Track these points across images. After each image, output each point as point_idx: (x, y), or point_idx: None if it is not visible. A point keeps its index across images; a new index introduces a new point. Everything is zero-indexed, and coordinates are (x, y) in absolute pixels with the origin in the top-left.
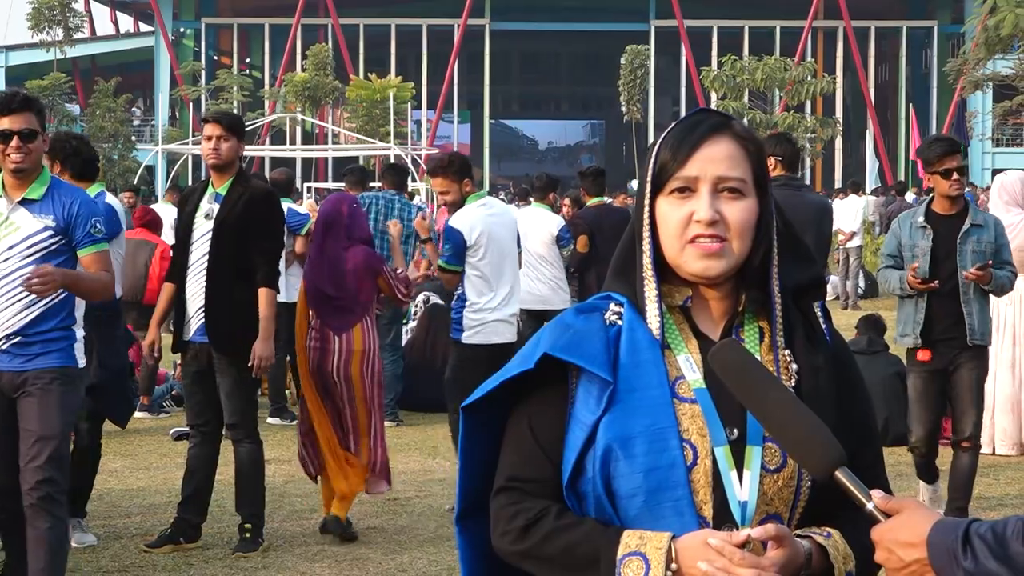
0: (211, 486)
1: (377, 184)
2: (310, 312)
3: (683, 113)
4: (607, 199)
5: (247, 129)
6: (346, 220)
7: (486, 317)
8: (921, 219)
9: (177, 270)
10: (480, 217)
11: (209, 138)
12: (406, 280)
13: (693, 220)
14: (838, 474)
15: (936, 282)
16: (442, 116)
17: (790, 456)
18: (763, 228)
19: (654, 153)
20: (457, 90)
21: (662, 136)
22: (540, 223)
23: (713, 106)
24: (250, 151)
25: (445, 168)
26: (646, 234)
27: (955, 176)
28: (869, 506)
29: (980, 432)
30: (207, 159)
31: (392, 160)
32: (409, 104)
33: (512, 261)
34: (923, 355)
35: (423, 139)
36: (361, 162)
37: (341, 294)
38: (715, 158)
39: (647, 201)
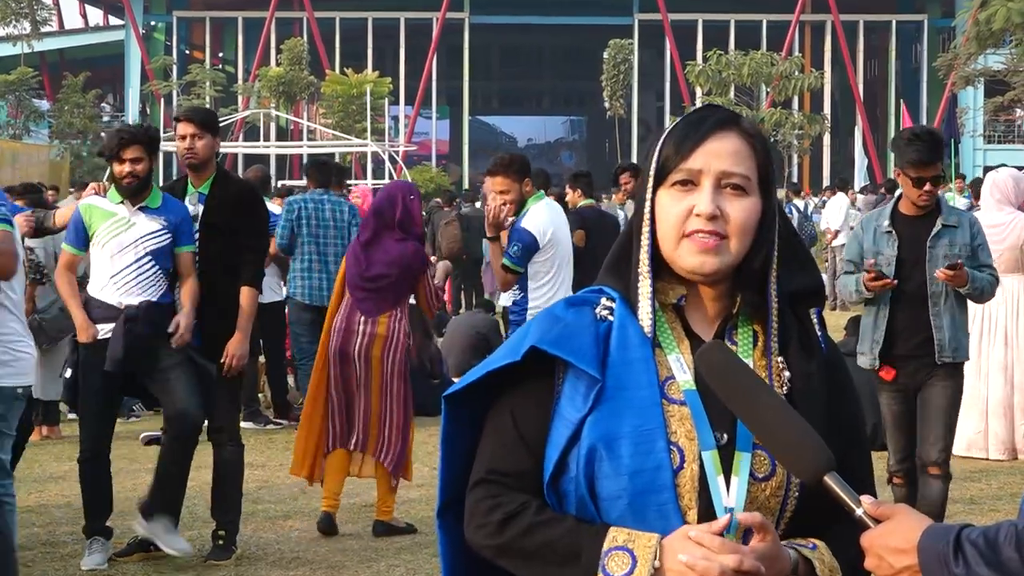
0: (183, 491)
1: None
2: (343, 298)
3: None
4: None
5: (220, 125)
6: (399, 212)
7: None
8: (886, 223)
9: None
10: (550, 218)
11: (183, 137)
12: (438, 293)
13: (693, 214)
14: (827, 479)
15: (894, 280)
16: (420, 112)
17: (778, 461)
18: (765, 229)
19: (659, 145)
20: (436, 85)
21: (668, 129)
22: None
23: (698, 102)
24: (223, 148)
25: (507, 167)
26: (645, 228)
27: (928, 187)
28: (859, 511)
29: (949, 458)
30: (183, 159)
31: (369, 157)
32: (386, 100)
33: (570, 261)
34: (886, 373)
35: (401, 136)
36: (337, 159)
37: (379, 283)
38: (720, 152)
39: (648, 194)
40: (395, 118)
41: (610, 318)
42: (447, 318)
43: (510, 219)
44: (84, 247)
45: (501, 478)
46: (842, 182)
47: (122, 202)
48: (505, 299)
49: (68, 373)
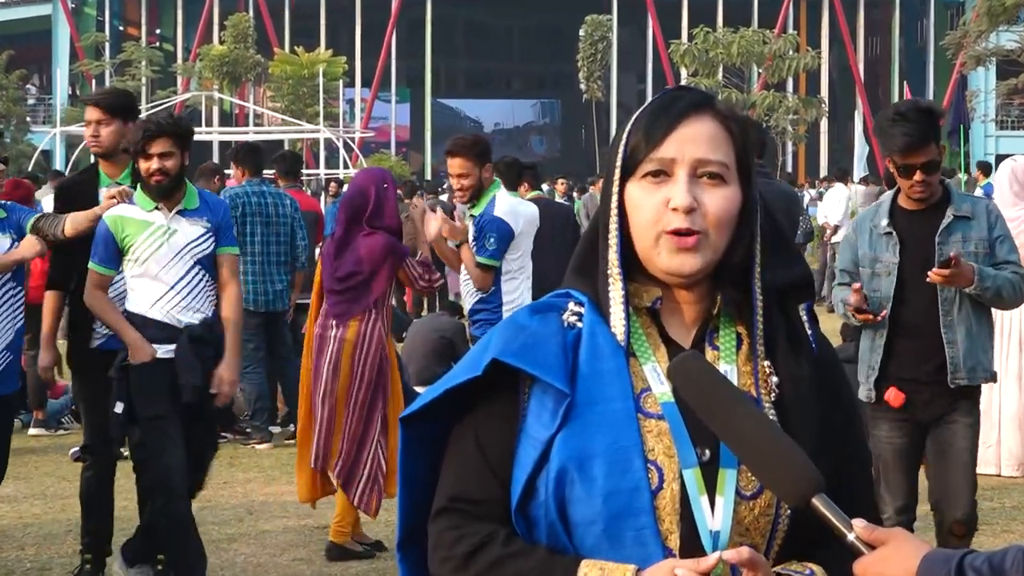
0: (112, 513)
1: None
2: (322, 302)
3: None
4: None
5: (158, 108)
6: (372, 204)
7: None
8: (884, 222)
9: (64, 275)
10: (519, 208)
11: (89, 123)
12: (427, 264)
13: (668, 208)
14: (815, 501)
15: (876, 315)
16: (378, 95)
17: (761, 482)
18: (746, 221)
19: (625, 133)
20: (395, 65)
21: (635, 114)
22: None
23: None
24: None
25: (468, 148)
26: (613, 225)
27: (918, 176)
28: (850, 536)
29: (976, 513)
30: (89, 147)
31: (322, 144)
32: (341, 81)
33: (528, 257)
34: (894, 398)
35: (356, 120)
36: (287, 146)
37: (349, 283)
38: (695, 138)
39: (615, 188)
40: (350, 101)
41: (579, 325)
42: (408, 321)
43: (464, 207)
44: (117, 265)
45: (466, 506)
46: (841, 172)
47: (156, 208)
48: (469, 298)
49: (119, 407)
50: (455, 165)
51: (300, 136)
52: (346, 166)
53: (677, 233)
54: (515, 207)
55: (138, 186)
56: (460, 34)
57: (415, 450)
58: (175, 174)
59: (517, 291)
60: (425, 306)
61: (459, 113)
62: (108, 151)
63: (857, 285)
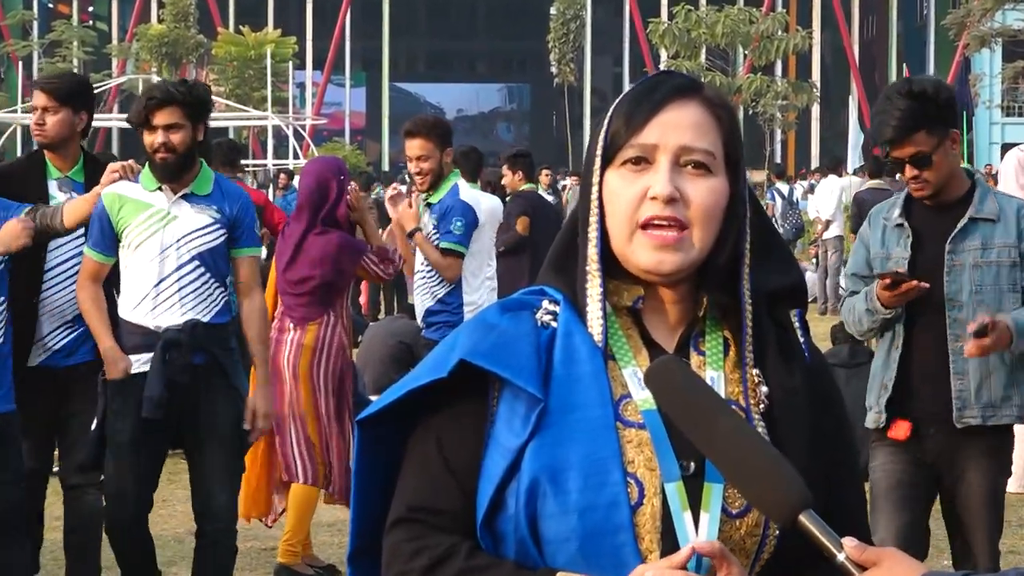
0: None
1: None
2: (277, 303)
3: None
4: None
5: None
6: (333, 198)
7: None
8: (897, 212)
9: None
10: (480, 199)
11: (35, 109)
12: (383, 252)
13: (648, 197)
14: (802, 519)
15: (921, 283)
16: (331, 79)
17: (745, 498)
18: (732, 217)
19: (606, 118)
20: (349, 47)
21: (617, 99)
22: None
23: (663, 67)
24: (95, 121)
25: (429, 130)
26: (593, 217)
27: (908, 171)
28: (840, 557)
29: (998, 566)
30: (33, 136)
31: (269, 132)
32: (290, 64)
33: (491, 254)
34: (897, 430)
35: (307, 107)
36: (231, 134)
37: (304, 287)
38: (679, 124)
39: (596, 177)
40: (300, 86)
41: (553, 324)
42: (363, 324)
43: (422, 195)
44: (113, 251)
45: (426, 516)
46: (834, 162)
47: (159, 188)
48: (422, 299)
49: (95, 425)
50: (414, 147)
51: (246, 123)
52: (296, 156)
53: (655, 225)
54: (477, 196)
55: (147, 163)
56: (420, 12)
57: (371, 456)
58: (184, 151)
59: (481, 291)
60: (383, 309)
61: (419, 98)
62: (54, 141)
63: (886, 275)
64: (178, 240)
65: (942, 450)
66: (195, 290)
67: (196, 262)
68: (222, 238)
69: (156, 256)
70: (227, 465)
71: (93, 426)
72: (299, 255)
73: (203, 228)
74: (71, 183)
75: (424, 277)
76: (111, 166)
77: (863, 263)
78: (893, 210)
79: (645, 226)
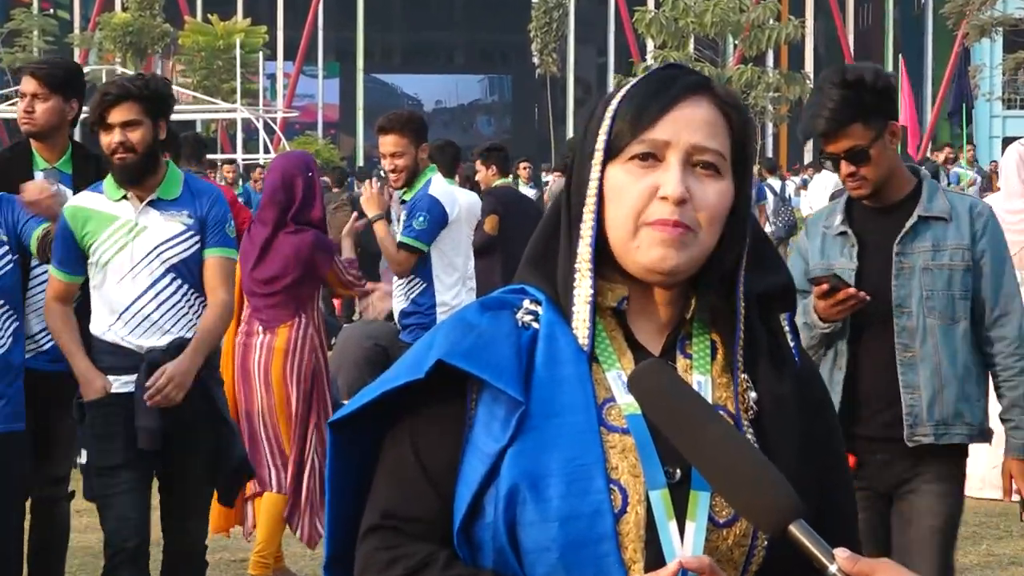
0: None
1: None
2: (244, 305)
3: (611, 66)
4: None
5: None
6: (300, 197)
7: None
8: (838, 220)
9: None
10: (456, 194)
11: (23, 96)
12: (353, 262)
13: (657, 197)
14: (793, 529)
15: (859, 292)
16: (303, 69)
17: (733, 508)
18: (737, 220)
19: (611, 111)
20: (322, 36)
21: (623, 90)
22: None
23: (649, 58)
24: None
25: (403, 125)
26: (589, 214)
27: (844, 168)
28: (832, 568)
29: None
30: (20, 124)
31: (239, 125)
32: (261, 54)
33: (469, 252)
34: None
35: (279, 99)
36: (199, 128)
37: (274, 286)
38: (692, 122)
39: (596, 172)
40: (271, 77)
41: (535, 325)
42: (337, 326)
43: (398, 192)
44: (81, 269)
45: (400, 524)
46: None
47: (124, 197)
48: (396, 301)
49: (84, 457)
50: (388, 143)
51: (214, 116)
52: (267, 150)
53: (662, 224)
54: (452, 192)
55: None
56: (396, 2)
57: (345, 460)
58: (144, 151)
59: (454, 292)
60: (357, 309)
61: (395, 90)
62: (42, 131)
63: (823, 282)
64: (149, 253)
65: (892, 472)
66: (175, 305)
67: (172, 275)
68: (197, 246)
69: (127, 273)
70: (201, 492)
71: (83, 458)
72: (268, 253)
73: (175, 237)
74: (58, 174)
75: (399, 278)
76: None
77: (799, 278)
78: (834, 217)
79: (651, 224)
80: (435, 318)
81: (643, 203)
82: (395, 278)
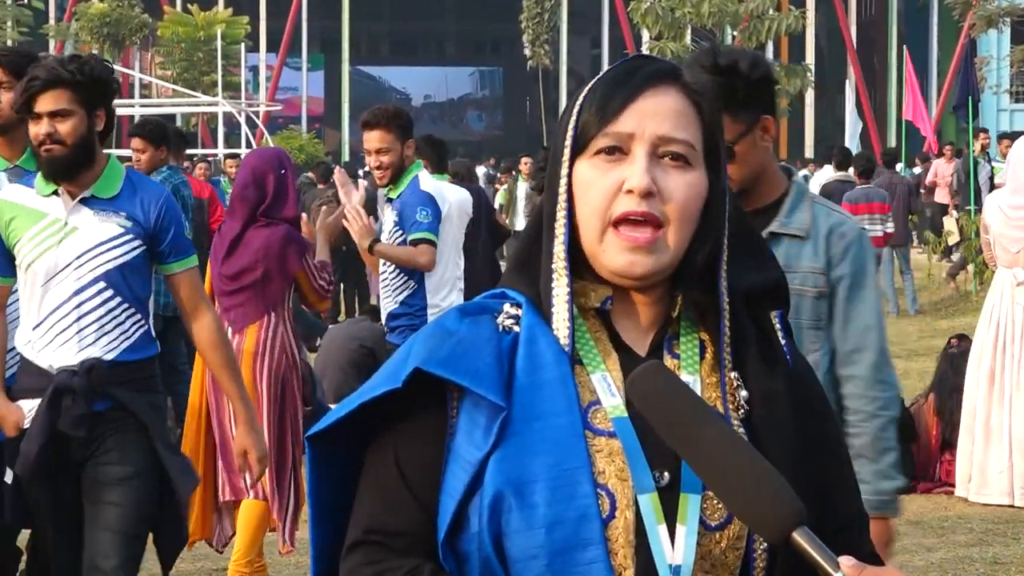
0: None
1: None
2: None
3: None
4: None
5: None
6: (271, 194)
7: None
8: None
9: None
10: (446, 191)
11: None
12: (325, 266)
13: (623, 191)
14: (796, 536)
15: None
16: (287, 62)
17: (734, 514)
18: (712, 213)
19: (577, 105)
20: (307, 28)
21: (589, 84)
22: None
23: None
24: None
25: (389, 120)
26: (561, 212)
27: None
28: None
29: None
30: None
31: (220, 119)
32: (243, 45)
33: (459, 251)
34: None
35: (261, 92)
36: (179, 121)
37: (241, 283)
38: (657, 112)
39: (564, 169)
40: (253, 69)
41: (516, 329)
42: (323, 326)
43: (383, 191)
44: (9, 270)
45: (384, 539)
46: (829, 151)
47: (55, 193)
48: (384, 302)
49: (9, 475)
50: (373, 139)
51: (195, 110)
52: (249, 144)
53: (629, 222)
54: (442, 189)
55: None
56: None
57: (325, 473)
58: (76, 142)
59: (444, 292)
60: (343, 310)
61: (383, 83)
62: (8, 122)
63: None
64: (77, 257)
65: None
66: (98, 319)
67: (101, 283)
68: (136, 251)
69: (51, 278)
70: (121, 528)
71: (8, 477)
72: (237, 248)
73: (110, 240)
74: (21, 172)
75: (387, 277)
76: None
77: None
78: None
79: (617, 223)
80: (426, 319)
81: (609, 198)
82: (381, 279)
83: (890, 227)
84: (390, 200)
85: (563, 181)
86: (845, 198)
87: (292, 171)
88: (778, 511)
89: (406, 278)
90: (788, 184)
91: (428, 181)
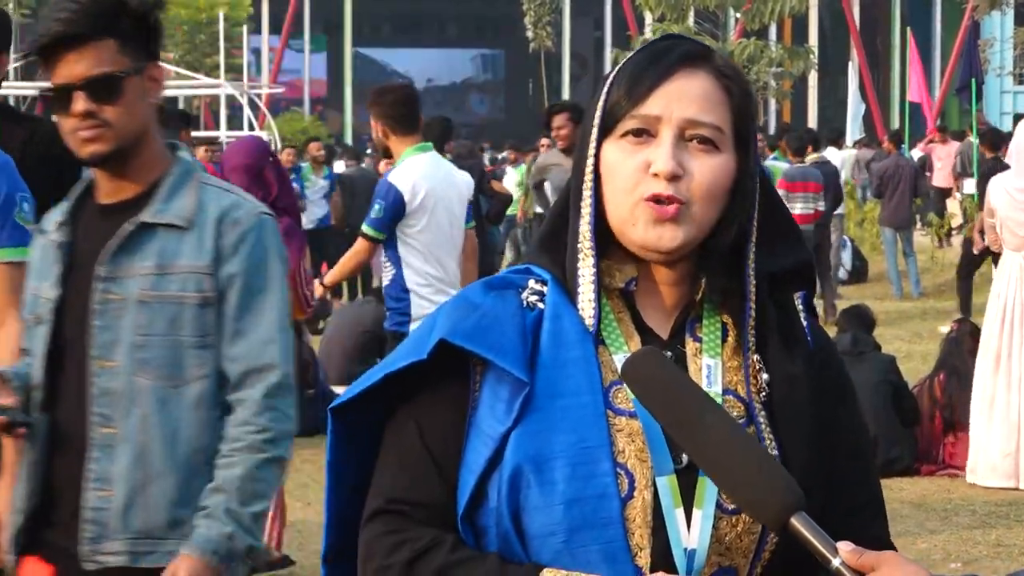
0: None
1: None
2: None
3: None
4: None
5: (23, 62)
6: (275, 182)
7: (440, 300)
8: (59, 219)
9: None
10: (426, 174)
11: None
12: (309, 289)
13: (649, 173)
14: (794, 522)
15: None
16: (289, 44)
17: (731, 500)
18: (740, 196)
19: (606, 86)
20: (309, 9)
21: (619, 64)
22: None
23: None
24: (25, 91)
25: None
26: (587, 192)
27: (83, 106)
28: (835, 562)
29: None
30: None
31: (223, 101)
32: (245, 28)
33: (459, 233)
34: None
35: (264, 74)
36: (182, 104)
37: None
38: (685, 95)
39: (591, 150)
40: (256, 51)
41: (540, 305)
42: (327, 309)
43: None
44: None
45: (406, 508)
46: (833, 134)
47: None
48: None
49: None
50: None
51: (197, 92)
52: (251, 127)
53: (656, 200)
54: (415, 173)
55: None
56: None
57: (346, 447)
58: None
59: (418, 278)
60: (345, 292)
61: (385, 66)
62: None
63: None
64: None
65: None
66: None
67: None
68: None
69: None
70: None
71: None
72: None
73: None
74: None
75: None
76: None
77: None
78: (52, 217)
79: (645, 200)
80: (408, 302)
81: (636, 180)
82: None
83: (821, 206)
84: None
85: (590, 161)
86: (783, 174)
87: (276, 155)
88: (776, 497)
89: (388, 261)
90: (171, 162)
91: (406, 168)
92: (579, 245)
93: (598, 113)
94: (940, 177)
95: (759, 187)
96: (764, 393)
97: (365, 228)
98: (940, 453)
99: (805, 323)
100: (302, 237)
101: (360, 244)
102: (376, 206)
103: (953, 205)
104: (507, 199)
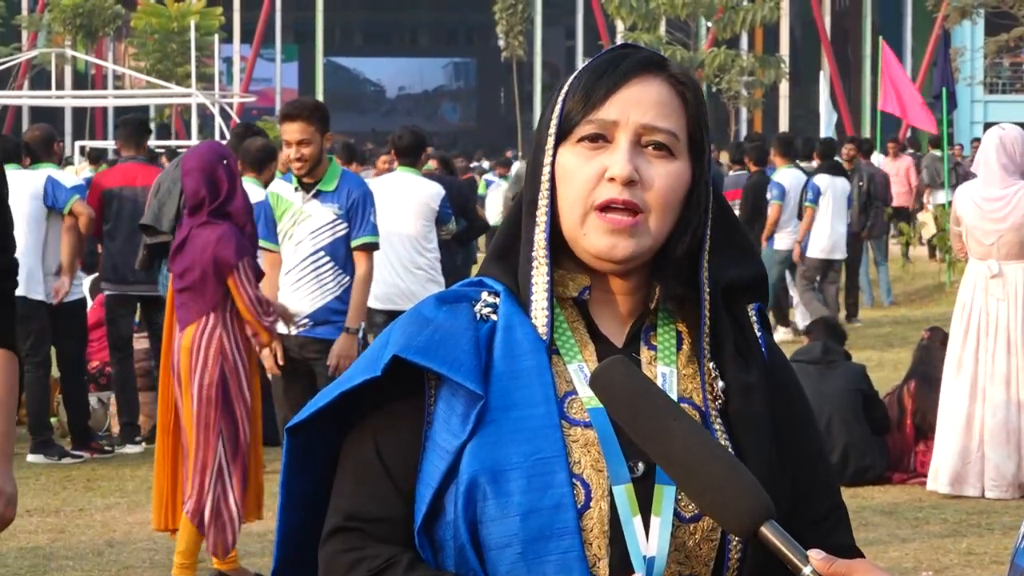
0: None
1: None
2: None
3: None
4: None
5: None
6: (225, 191)
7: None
8: None
9: None
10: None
11: None
12: (261, 300)
13: (605, 178)
14: (764, 530)
15: None
16: (260, 53)
17: (700, 509)
18: (694, 203)
19: (562, 93)
20: (280, 19)
21: (575, 72)
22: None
23: (619, 40)
24: (4, 98)
25: (310, 112)
26: (543, 200)
27: None
28: (806, 571)
29: None
30: None
31: (194, 110)
32: (216, 37)
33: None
34: None
35: (235, 83)
36: (153, 113)
37: (185, 281)
38: (642, 101)
39: (548, 157)
40: (227, 60)
41: (493, 317)
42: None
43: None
44: None
45: (364, 525)
46: (806, 143)
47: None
48: (318, 295)
49: None
50: (294, 131)
51: (168, 101)
52: (223, 136)
53: (611, 207)
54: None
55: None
56: None
57: (300, 464)
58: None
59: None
60: None
61: (357, 75)
62: None
63: None
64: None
65: None
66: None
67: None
68: None
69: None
70: None
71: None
72: (185, 246)
73: None
74: None
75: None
76: None
77: None
78: None
79: (600, 208)
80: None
81: (591, 186)
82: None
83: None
84: (319, 193)
85: (546, 169)
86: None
87: (232, 159)
88: (745, 505)
89: (343, 274)
90: None
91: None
92: (533, 254)
93: (554, 120)
94: (900, 195)
95: (713, 198)
96: (720, 401)
97: (371, 238)
98: (911, 461)
99: (760, 335)
100: (241, 242)
101: (368, 258)
102: (374, 212)
103: (925, 215)
104: (483, 225)
